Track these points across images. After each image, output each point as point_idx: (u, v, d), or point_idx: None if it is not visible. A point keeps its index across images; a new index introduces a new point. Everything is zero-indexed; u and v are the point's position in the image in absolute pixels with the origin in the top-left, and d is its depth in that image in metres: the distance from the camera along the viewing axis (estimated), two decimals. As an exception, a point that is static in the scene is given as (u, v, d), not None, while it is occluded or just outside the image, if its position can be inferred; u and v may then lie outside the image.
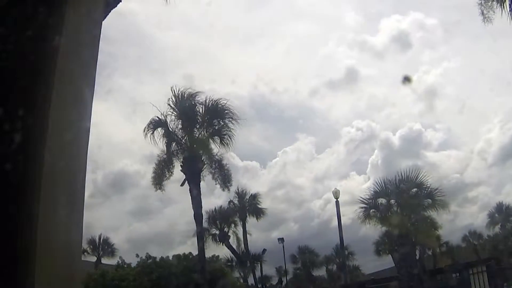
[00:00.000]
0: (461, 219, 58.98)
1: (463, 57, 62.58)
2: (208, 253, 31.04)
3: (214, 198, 44.21)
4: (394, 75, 69.16)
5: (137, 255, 29.15)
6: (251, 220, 41.58)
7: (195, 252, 27.72)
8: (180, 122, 26.64)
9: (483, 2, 17.91)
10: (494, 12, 17.77)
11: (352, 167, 74.76)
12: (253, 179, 56.88)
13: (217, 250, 38.63)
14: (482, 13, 17.92)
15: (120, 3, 3.42)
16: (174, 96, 26.44)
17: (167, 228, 55.39)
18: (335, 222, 31.39)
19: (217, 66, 55.22)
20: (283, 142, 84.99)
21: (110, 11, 3.16)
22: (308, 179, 65.94)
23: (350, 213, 44.55)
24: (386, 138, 59.08)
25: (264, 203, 42.64)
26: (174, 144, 26.79)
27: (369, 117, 72.40)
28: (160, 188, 26.85)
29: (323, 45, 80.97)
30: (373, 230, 33.01)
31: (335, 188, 30.30)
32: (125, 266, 29.30)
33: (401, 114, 65.98)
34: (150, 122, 26.40)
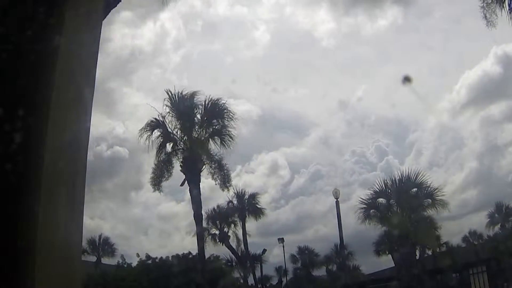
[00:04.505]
0: None
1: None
2: (208, 253, 31.05)
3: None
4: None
5: (138, 255, 29.17)
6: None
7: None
8: (179, 123, 26.63)
9: (485, 5, 17.82)
10: (496, 15, 17.71)
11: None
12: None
13: (217, 250, 38.64)
14: (485, 17, 17.84)
15: (120, 2, 3.42)
16: (172, 96, 26.43)
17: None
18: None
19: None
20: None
21: (110, 11, 3.17)
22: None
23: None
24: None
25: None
26: (172, 145, 26.77)
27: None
28: (158, 189, 26.81)
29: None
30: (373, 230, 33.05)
31: (335, 188, 30.31)
32: (125, 266, 29.31)
33: None
34: (147, 124, 26.33)
